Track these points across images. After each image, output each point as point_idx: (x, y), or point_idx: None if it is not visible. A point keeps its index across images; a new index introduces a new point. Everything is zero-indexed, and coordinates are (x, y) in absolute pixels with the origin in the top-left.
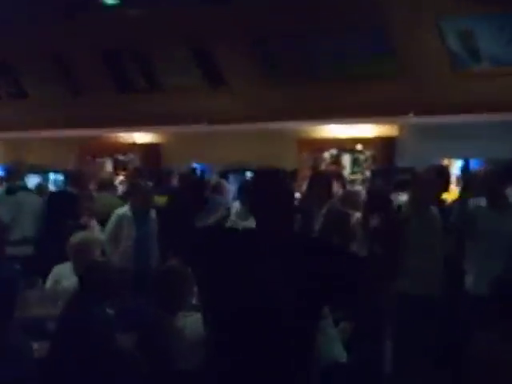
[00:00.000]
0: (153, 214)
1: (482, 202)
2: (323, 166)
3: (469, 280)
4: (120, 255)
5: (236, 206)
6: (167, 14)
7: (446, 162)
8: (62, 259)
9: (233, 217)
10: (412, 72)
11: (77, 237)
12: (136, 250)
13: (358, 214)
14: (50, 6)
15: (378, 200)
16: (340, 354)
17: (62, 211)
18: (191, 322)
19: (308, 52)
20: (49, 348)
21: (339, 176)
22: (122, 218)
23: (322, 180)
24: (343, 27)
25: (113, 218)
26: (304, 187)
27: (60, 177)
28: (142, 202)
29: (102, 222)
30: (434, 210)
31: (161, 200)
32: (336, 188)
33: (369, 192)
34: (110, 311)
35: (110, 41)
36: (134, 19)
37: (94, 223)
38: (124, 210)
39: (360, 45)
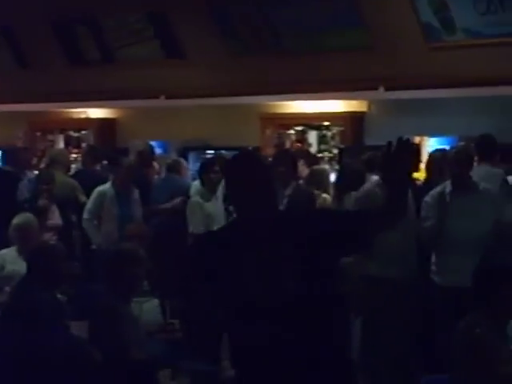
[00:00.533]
0: (136, 194)
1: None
2: (288, 144)
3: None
4: (104, 236)
5: (196, 185)
6: None
7: (417, 139)
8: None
9: (195, 197)
10: (382, 44)
11: (20, 219)
12: (119, 231)
13: (324, 195)
14: None
15: (352, 179)
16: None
17: (3, 193)
18: (147, 308)
19: (272, 22)
20: None
21: (305, 154)
22: (103, 195)
23: (287, 158)
24: None
25: (94, 195)
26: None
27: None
28: (123, 181)
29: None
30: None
31: None
32: (302, 167)
33: (342, 170)
34: (61, 298)
35: (60, 8)
36: None
37: (53, 207)
38: (106, 187)
39: (328, 15)
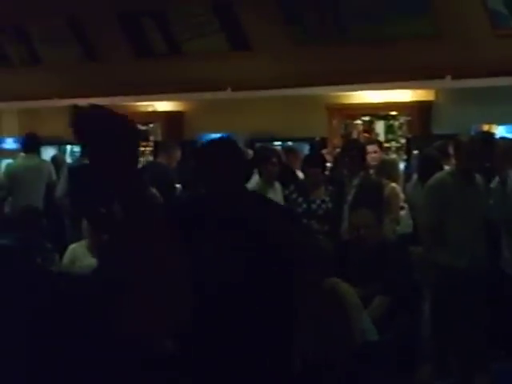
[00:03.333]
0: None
1: None
2: (355, 134)
3: None
4: None
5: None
6: None
7: (485, 127)
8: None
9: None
10: (449, 32)
11: (98, 213)
12: None
13: (393, 185)
14: None
15: (432, 166)
16: (370, 331)
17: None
18: None
19: (338, 11)
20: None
21: (375, 144)
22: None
23: (355, 148)
24: None
25: None
26: (334, 156)
27: (76, 149)
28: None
29: None
30: (479, 179)
31: None
32: (371, 157)
33: (423, 158)
34: None
35: (126, 3)
36: None
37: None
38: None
39: (395, 3)
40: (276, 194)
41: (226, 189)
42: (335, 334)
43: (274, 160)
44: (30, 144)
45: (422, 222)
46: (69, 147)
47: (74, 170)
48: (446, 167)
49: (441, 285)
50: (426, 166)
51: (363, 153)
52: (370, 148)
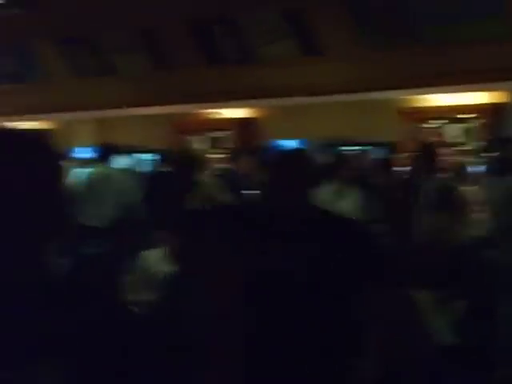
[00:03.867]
0: None
1: None
2: (427, 138)
3: None
4: None
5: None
6: None
7: None
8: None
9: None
10: None
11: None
12: None
13: (467, 188)
14: None
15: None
16: (445, 335)
17: (165, 194)
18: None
19: (410, 13)
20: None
21: (446, 147)
22: None
23: (428, 152)
24: None
25: None
26: (406, 160)
27: (151, 157)
28: None
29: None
30: None
31: None
32: (443, 160)
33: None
34: None
35: (197, 10)
36: None
37: None
38: None
39: (467, 4)
40: (353, 200)
41: (288, 202)
42: (409, 336)
43: (351, 165)
44: (105, 153)
45: (502, 223)
46: (142, 156)
47: (149, 178)
48: None
49: None
50: (505, 167)
51: (436, 157)
52: (443, 151)
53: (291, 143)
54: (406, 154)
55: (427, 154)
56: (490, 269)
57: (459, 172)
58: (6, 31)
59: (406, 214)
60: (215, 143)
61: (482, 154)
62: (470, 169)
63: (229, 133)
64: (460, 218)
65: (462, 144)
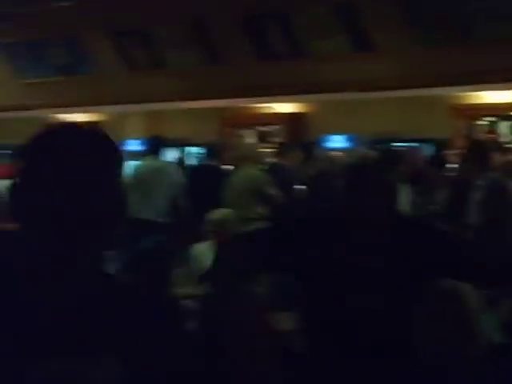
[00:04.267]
0: None
1: None
2: (479, 134)
3: None
4: None
5: None
6: None
7: None
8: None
9: None
10: None
11: (217, 214)
12: None
13: None
14: None
15: None
16: (496, 333)
17: (208, 186)
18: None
19: (461, 10)
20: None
21: (500, 145)
22: None
23: (480, 150)
24: None
25: None
26: (458, 157)
27: (200, 150)
28: None
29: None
30: None
31: None
32: (497, 158)
33: None
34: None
35: (249, 4)
36: None
37: None
38: None
39: None
40: (406, 196)
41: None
42: (456, 336)
43: (404, 162)
44: (155, 146)
45: None
46: (191, 149)
47: (196, 171)
48: None
49: None
50: None
51: (488, 154)
52: (496, 149)
53: (341, 138)
54: (459, 151)
55: (479, 151)
56: None
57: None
58: (58, 23)
59: (453, 211)
60: (264, 137)
61: None
62: None
63: (278, 127)
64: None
65: None
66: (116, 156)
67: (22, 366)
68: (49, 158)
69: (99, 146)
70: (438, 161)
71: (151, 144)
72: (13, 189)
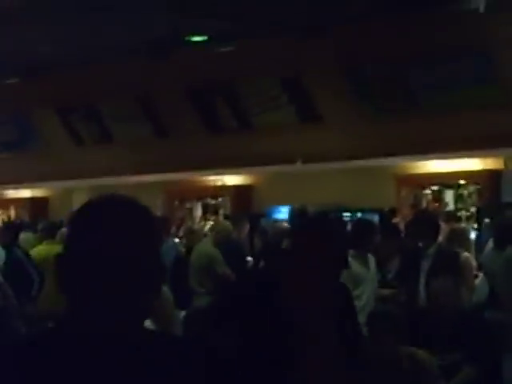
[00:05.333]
0: None
1: None
2: (424, 203)
3: None
4: None
5: None
6: (255, 48)
7: None
8: None
9: None
10: None
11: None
12: None
13: (467, 254)
14: (135, 47)
15: (508, 233)
16: None
17: None
18: None
19: (405, 83)
20: None
21: (443, 213)
22: None
23: (426, 218)
24: (445, 56)
25: None
26: (405, 226)
27: None
28: None
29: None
30: None
31: None
32: (443, 226)
33: (500, 226)
34: None
35: (196, 80)
36: (220, 56)
37: None
38: None
39: (460, 74)
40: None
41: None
42: None
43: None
44: None
45: (503, 291)
46: None
47: None
48: None
49: None
50: (503, 234)
51: (436, 223)
52: (442, 217)
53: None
54: (406, 220)
55: (426, 220)
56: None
57: (456, 238)
58: (5, 100)
59: (408, 279)
60: (211, 209)
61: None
62: (467, 234)
63: (224, 199)
64: (463, 282)
65: (458, 210)
66: (156, 228)
67: None
68: (96, 230)
69: (144, 218)
70: (392, 230)
71: None
72: (62, 258)
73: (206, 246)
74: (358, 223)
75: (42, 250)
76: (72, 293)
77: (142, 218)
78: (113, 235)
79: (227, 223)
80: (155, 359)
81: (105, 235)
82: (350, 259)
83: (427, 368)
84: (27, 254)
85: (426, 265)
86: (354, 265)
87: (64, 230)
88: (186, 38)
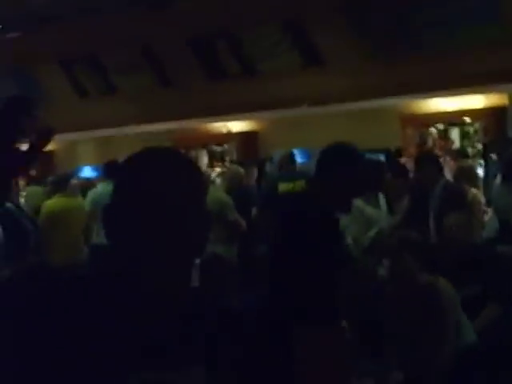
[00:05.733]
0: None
1: None
2: (430, 142)
3: None
4: None
5: None
6: None
7: None
8: None
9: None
10: None
11: None
12: None
13: (474, 190)
14: None
15: None
16: (468, 330)
17: None
18: None
19: (407, 21)
20: None
21: (451, 152)
22: None
23: (430, 160)
24: None
25: None
26: (411, 165)
27: None
28: None
29: None
30: None
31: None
32: (448, 163)
33: (508, 161)
34: None
35: (198, 28)
36: (221, 2)
37: None
38: None
39: (464, 11)
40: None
41: None
42: (431, 332)
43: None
44: (110, 171)
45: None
46: None
47: None
48: None
49: None
50: (511, 169)
51: (439, 163)
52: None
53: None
54: (410, 159)
55: (431, 162)
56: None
57: (464, 175)
58: (6, 54)
59: (417, 217)
60: (216, 156)
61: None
62: (474, 171)
63: (230, 146)
64: (473, 217)
65: (465, 147)
66: (203, 180)
67: (117, 377)
68: (145, 180)
69: (190, 170)
70: (400, 170)
71: (106, 169)
72: (109, 207)
73: (217, 193)
74: (367, 164)
75: (57, 203)
76: (118, 242)
77: (189, 170)
78: (161, 185)
79: (239, 168)
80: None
81: (154, 185)
82: (361, 201)
83: (447, 296)
84: (18, 206)
85: (434, 203)
86: (366, 207)
87: (74, 182)
88: None
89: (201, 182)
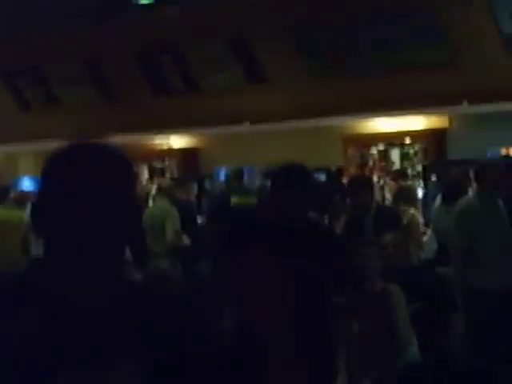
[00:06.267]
0: None
1: None
2: (371, 163)
3: None
4: None
5: None
6: (201, 9)
7: (503, 151)
8: None
9: None
10: (463, 58)
11: None
12: None
13: (413, 211)
14: (83, 9)
15: (456, 190)
16: (414, 353)
17: None
18: None
19: (352, 42)
20: None
21: (391, 171)
22: None
23: (363, 183)
24: (394, 15)
25: None
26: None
27: None
28: None
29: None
30: (500, 202)
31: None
32: (388, 183)
33: (448, 183)
34: None
35: (143, 42)
36: (167, 18)
37: None
38: None
39: (407, 32)
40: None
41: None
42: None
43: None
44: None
45: (453, 246)
46: None
47: None
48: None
49: (473, 307)
50: (451, 190)
51: (372, 187)
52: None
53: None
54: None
55: (363, 184)
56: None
57: (403, 195)
58: None
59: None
60: (157, 172)
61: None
62: (414, 191)
63: (171, 161)
64: (410, 238)
65: (405, 168)
66: (131, 169)
67: (48, 375)
68: (72, 174)
69: (117, 161)
70: (338, 190)
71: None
72: (37, 203)
73: (162, 204)
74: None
75: None
76: (47, 241)
77: (116, 164)
78: (87, 180)
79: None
80: (129, 308)
81: (79, 181)
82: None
83: (398, 300)
84: None
85: (369, 224)
86: None
87: (13, 194)
88: (133, 1)
89: (127, 170)
